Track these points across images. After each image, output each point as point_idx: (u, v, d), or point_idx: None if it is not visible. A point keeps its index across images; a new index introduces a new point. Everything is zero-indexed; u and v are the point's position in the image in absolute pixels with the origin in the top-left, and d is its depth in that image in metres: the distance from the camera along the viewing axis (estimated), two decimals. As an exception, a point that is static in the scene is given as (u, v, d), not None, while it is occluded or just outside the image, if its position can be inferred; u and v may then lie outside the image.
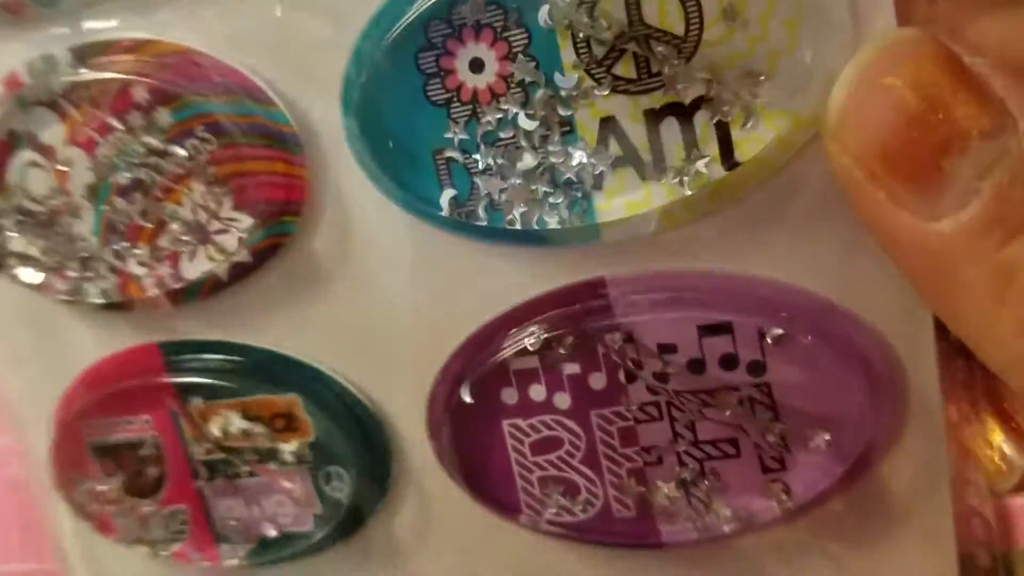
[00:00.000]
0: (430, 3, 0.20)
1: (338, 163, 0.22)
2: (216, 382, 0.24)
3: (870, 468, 0.21)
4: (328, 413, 0.24)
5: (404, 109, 0.21)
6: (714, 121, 0.20)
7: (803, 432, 0.21)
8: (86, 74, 0.22)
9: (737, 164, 0.20)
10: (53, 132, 0.23)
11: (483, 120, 0.21)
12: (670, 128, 0.20)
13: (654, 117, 0.20)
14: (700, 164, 0.20)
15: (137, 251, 0.24)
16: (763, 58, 0.19)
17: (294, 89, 0.22)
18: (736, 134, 0.20)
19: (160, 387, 0.25)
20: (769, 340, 0.21)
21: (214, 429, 0.25)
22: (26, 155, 0.24)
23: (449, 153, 0.21)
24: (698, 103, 0.20)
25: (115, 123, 0.23)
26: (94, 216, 0.24)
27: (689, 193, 0.20)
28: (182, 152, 0.22)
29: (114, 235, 0.24)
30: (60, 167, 0.23)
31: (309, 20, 0.21)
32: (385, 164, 0.21)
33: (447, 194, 0.21)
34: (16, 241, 0.24)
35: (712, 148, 0.20)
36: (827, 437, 0.21)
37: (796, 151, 0.20)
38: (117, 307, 0.24)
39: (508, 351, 0.22)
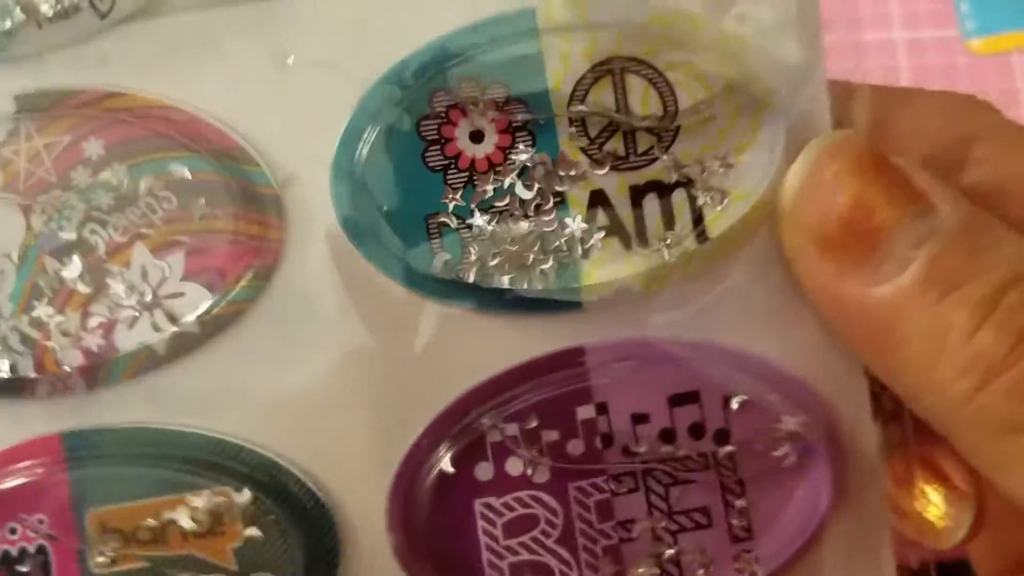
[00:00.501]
0: (435, 75, 0.22)
1: (318, 227, 0.22)
2: (125, 477, 0.21)
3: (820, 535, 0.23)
4: (268, 510, 0.22)
5: (401, 174, 0.22)
6: (690, 200, 0.23)
7: (768, 498, 0.23)
8: (30, 128, 0.21)
9: (708, 239, 0.22)
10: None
11: (479, 188, 0.22)
12: (651, 203, 0.22)
13: (638, 192, 0.22)
14: (677, 238, 0.22)
15: (61, 318, 0.21)
16: (732, 149, 0.23)
17: (281, 149, 0.22)
18: (709, 212, 0.23)
19: (54, 485, 0.21)
20: (734, 407, 0.23)
21: (113, 539, 0.21)
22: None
23: (443, 218, 0.22)
24: (677, 183, 0.23)
25: (57, 179, 0.21)
26: (15, 279, 0.21)
27: (667, 263, 0.22)
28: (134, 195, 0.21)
29: (37, 302, 0.21)
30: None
31: (309, 80, 0.22)
32: (375, 227, 0.22)
33: (439, 258, 0.22)
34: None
35: (687, 223, 0.22)
36: (790, 502, 0.23)
37: (762, 228, 0.23)
38: (18, 387, 0.21)
39: (486, 423, 0.22)
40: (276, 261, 0.22)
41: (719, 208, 0.22)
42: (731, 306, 0.23)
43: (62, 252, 0.21)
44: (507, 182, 0.22)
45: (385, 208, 0.22)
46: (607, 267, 0.22)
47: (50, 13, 0.21)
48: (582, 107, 0.22)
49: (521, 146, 0.22)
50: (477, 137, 0.22)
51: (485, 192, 0.22)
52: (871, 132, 0.22)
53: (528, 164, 0.22)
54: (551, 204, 0.22)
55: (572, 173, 0.22)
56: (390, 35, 0.22)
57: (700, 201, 0.22)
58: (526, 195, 0.22)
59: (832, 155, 0.21)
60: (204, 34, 0.21)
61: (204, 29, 0.21)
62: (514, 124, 0.22)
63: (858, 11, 0.46)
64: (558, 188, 0.22)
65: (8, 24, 0.21)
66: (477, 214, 0.22)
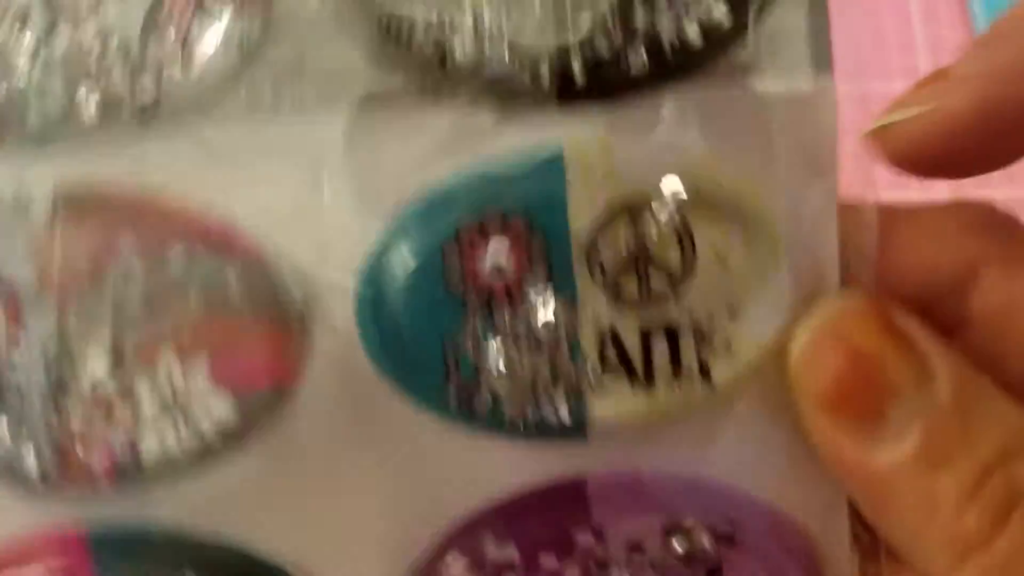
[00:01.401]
0: (460, 205, 0.23)
1: (340, 344, 0.23)
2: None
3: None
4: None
5: (421, 298, 0.23)
6: (697, 345, 0.23)
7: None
8: (66, 222, 0.22)
9: (714, 384, 0.23)
10: (22, 271, 0.22)
11: (496, 318, 0.23)
12: (660, 345, 0.23)
13: (648, 333, 0.23)
14: (683, 381, 0.23)
15: (87, 416, 0.23)
16: (739, 294, 0.23)
17: (309, 266, 0.23)
18: (715, 359, 0.23)
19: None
20: (722, 538, 0.24)
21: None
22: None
23: (458, 344, 0.23)
24: (686, 327, 0.24)
25: (89, 275, 0.22)
26: (44, 376, 0.22)
27: (672, 403, 0.23)
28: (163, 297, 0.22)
29: (65, 398, 0.22)
30: (16, 313, 0.22)
31: (341, 202, 0.23)
32: (394, 348, 0.23)
33: (453, 383, 0.23)
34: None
35: (694, 368, 0.23)
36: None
37: (767, 376, 0.24)
38: (39, 479, 0.23)
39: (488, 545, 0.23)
40: (297, 375, 0.23)
41: (725, 355, 0.23)
42: (730, 443, 0.24)
43: (91, 350, 0.23)
44: (522, 314, 0.23)
45: (404, 330, 0.23)
46: (614, 403, 0.23)
47: (93, 114, 0.22)
48: (599, 248, 0.23)
49: (540, 285, 0.23)
50: (497, 267, 0.23)
51: (501, 322, 0.23)
52: (878, 260, 0.23)
53: (544, 303, 0.23)
54: (565, 340, 0.23)
55: (587, 312, 0.23)
56: (420, 164, 0.23)
57: (707, 347, 0.23)
58: (543, 335, 0.23)
59: (841, 319, 0.22)
60: (244, 146, 0.22)
61: (245, 140, 0.22)
62: (533, 258, 0.23)
63: (889, 62, 0.46)
64: (572, 325, 0.23)
65: (51, 119, 0.22)
66: (492, 343, 0.23)
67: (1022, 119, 0.22)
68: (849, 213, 0.24)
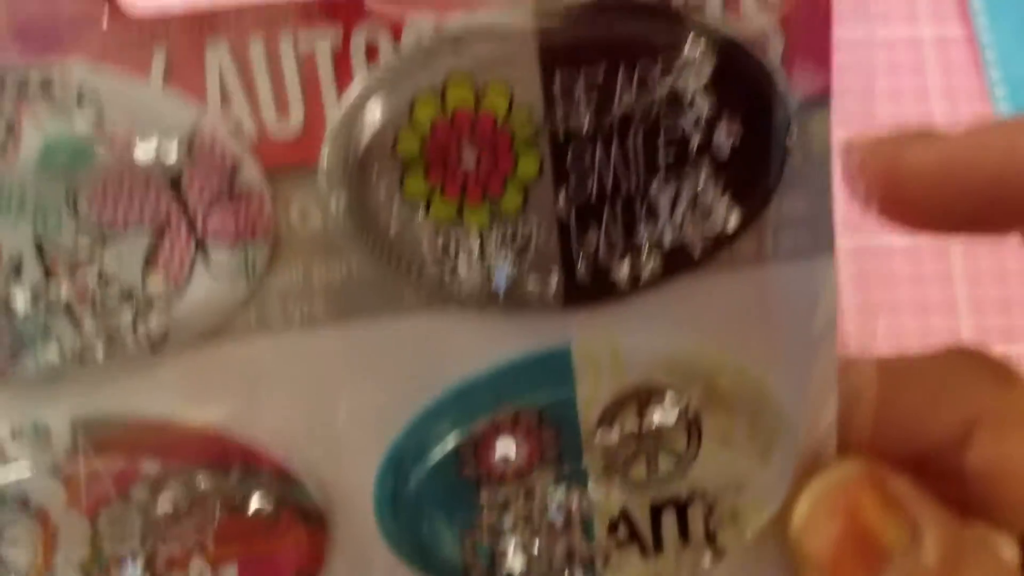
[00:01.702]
0: (474, 404, 0.23)
1: (361, 540, 0.24)
2: None
3: None
4: None
5: (438, 491, 0.24)
6: (705, 517, 0.25)
7: None
8: (89, 449, 0.23)
9: (720, 550, 0.25)
10: (51, 497, 0.23)
11: (512, 508, 0.24)
12: (669, 518, 0.25)
13: (657, 508, 0.24)
14: (692, 552, 0.25)
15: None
16: (744, 471, 0.24)
17: (328, 471, 0.23)
18: (722, 530, 0.25)
19: None
20: None
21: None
22: (5, 517, 0.23)
23: (476, 534, 0.24)
24: (694, 500, 0.25)
25: (116, 495, 0.23)
26: (80, 590, 0.24)
27: (681, 569, 0.25)
28: (190, 512, 0.23)
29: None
30: (50, 536, 0.23)
31: (356, 410, 0.23)
32: (415, 542, 0.24)
33: (473, 572, 0.24)
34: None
35: (701, 539, 0.25)
36: None
37: (773, 544, 0.25)
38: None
39: None
40: (320, 568, 0.24)
41: (732, 525, 0.25)
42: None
43: (124, 566, 0.24)
44: (536, 503, 0.24)
45: (423, 524, 0.24)
46: (625, 573, 0.25)
47: (102, 353, 0.22)
48: (609, 437, 0.24)
49: (552, 474, 0.24)
50: (509, 455, 0.24)
51: (516, 512, 0.24)
52: (876, 416, 0.24)
53: (557, 491, 0.24)
54: (578, 524, 0.24)
55: (598, 496, 0.24)
56: (431, 368, 0.23)
57: (714, 517, 0.25)
58: (555, 516, 0.24)
59: (836, 488, 0.24)
60: (258, 364, 0.23)
61: (258, 359, 0.23)
62: (545, 449, 0.24)
63: (899, 82, 0.45)
64: (585, 509, 0.24)
65: (59, 359, 0.22)
66: (508, 532, 0.24)
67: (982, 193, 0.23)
68: (848, 370, 0.24)
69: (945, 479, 0.24)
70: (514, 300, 0.23)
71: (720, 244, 0.23)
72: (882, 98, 0.44)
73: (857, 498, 0.23)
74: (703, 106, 0.22)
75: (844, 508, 0.23)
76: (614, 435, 0.24)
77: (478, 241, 0.22)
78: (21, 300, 0.21)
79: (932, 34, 0.46)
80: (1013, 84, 0.46)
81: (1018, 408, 0.25)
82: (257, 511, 0.23)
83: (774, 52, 0.22)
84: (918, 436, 0.25)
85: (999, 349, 0.26)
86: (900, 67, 0.45)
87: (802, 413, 0.24)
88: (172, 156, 0.21)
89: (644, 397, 0.24)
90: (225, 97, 0.21)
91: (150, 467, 0.23)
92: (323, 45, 0.21)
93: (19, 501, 0.23)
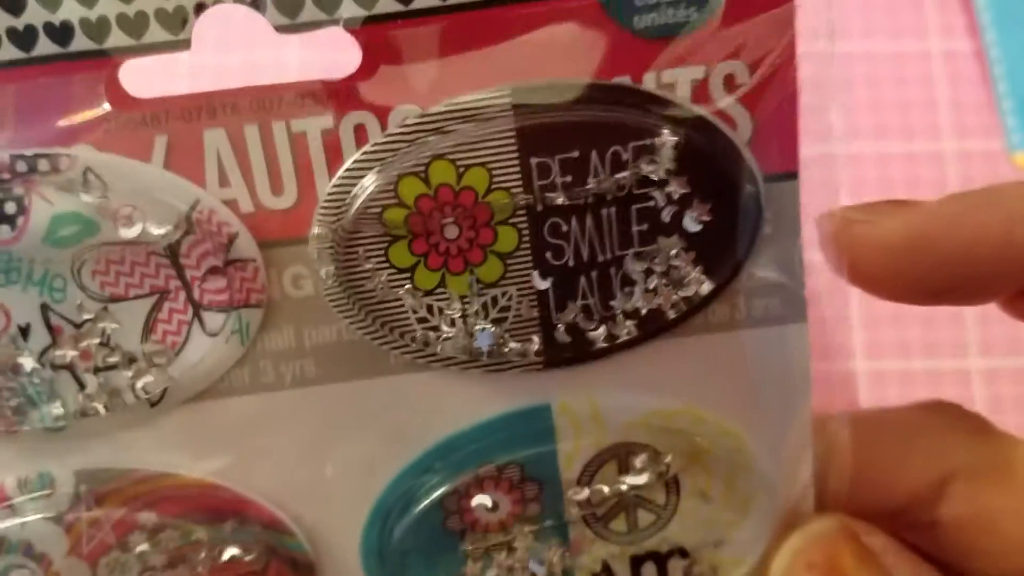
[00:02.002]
0: (456, 461, 0.25)
1: None
2: None
3: None
4: None
5: (422, 544, 0.25)
6: (684, 571, 0.26)
7: None
8: (90, 499, 0.25)
9: None
10: (54, 544, 0.25)
11: (495, 561, 0.26)
12: (649, 571, 0.26)
13: (638, 561, 0.26)
14: None
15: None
16: (723, 526, 0.26)
17: (318, 523, 0.25)
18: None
19: None
20: None
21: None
22: (11, 561, 0.25)
23: None
24: (671, 553, 0.26)
25: (116, 543, 0.25)
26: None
27: None
28: (185, 559, 0.25)
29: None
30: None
31: (345, 465, 0.25)
32: None
33: None
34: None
35: None
36: None
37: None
38: None
39: None
40: None
41: None
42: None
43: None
44: (519, 556, 0.25)
45: (409, 575, 0.25)
46: None
47: (103, 410, 0.24)
48: (589, 493, 0.25)
49: (534, 528, 0.25)
50: (493, 508, 0.25)
51: (500, 564, 0.26)
52: (852, 470, 0.25)
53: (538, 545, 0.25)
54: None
55: (579, 550, 0.26)
56: (417, 427, 0.25)
57: (694, 573, 0.26)
58: (539, 572, 0.26)
59: (813, 547, 0.24)
60: (251, 421, 0.24)
61: (251, 416, 0.24)
62: (527, 503, 0.25)
63: (908, 94, 0.46)
64: (566, 563, 0.26)
65: (62, 415, 0.24)
66: None
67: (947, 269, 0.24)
68: (823, 427, 0.25)
69: (920, 532, 0.25)
70: (496, 361, 0.24)
71: (694, 310, 0.24)
72: (891, 110, 0.45)
73: (834, 553, 0.24)
74: (673, 185, 0.23)
75: (822, 563, 0.24)
76: (595, 491, 0.25)
77: (460, 307, 0.23)
78: (28, 362, 0.23)
79: (941, 48, 0.47)
80: (1021, 98, 0.47)
81: (992, 461, 0.26)
82: (249, 561, 0.25)
83: (742, 132, 0.23)
84: (893, 489, 0.25)
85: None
86: (909, 80, 0.46)
87: (779, 470, 0.25)
88: (172, 230, 0.23)
89: (623, 454, 0.25)
90: (222, 176, 0.23)
91: (147, 517, 0.24)
92: (315, 128, 0.23)
93: (24, 547, 0.24)
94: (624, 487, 0.25)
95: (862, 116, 0.45)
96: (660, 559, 0.26)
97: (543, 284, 0.23)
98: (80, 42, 0.22)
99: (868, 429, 0.26)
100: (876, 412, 0.27)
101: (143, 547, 0.25)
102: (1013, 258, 0.23)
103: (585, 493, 0.25)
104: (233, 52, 0.22)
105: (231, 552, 0.25)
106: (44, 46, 0.22)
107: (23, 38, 0.21)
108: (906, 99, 0.47)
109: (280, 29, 0.22)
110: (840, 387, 0.28)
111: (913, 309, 0.41)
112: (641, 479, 0.25)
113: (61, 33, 0.21)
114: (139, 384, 0.23)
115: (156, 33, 0.22)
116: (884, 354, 0.42)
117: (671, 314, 0.24)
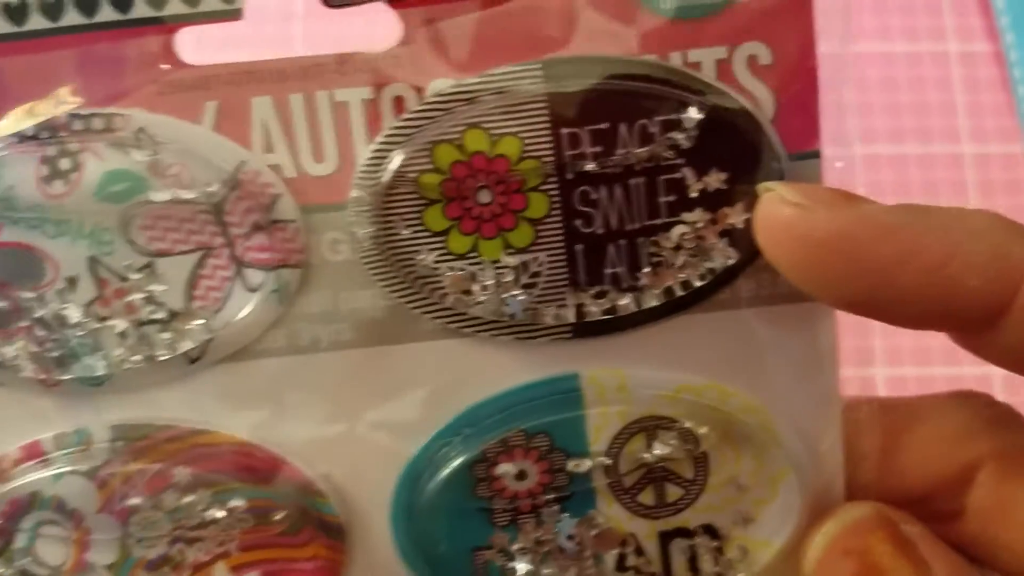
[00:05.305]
0: (486, 427, 0.28)
1: (378, 552, 0.28)
2: None
3: None
4: None
5: (451, 510, 0.27)
6: (712, 547, 0.28)
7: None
8: (126, 455, 0.28)
9: None
10: (86, 500, 0.28)
11: (522, 529, 0.28)
12: (678, 548, 0.28)
13: (667, 537, 0.28)
14: None
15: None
16: (752, 503, 0.28)
17: (349, 486, 0.27)
18: (731, 562, 0.28)
19: None
20: None
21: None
22: (42, 517, 0.28)
23: (488, 556, 0.28)
24: (700, 530, 0.28)
25: (148, 500, 0.28)
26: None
27: None
28: (216, 518, 0.28)
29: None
30: (83, 537, 0.28)
31: (376, 428, 0.27)
32: (428, 557, 0.27)
33: None
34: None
35: (710, 570, 0.28)
36: None
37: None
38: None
39: None
40: None
41: (741, 559, 0.28)
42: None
43: (151, 568, 0.29)
44: (546, 526, 0.28)
45: (435, 541, 0.27)
46: None
47: (144, 364, 0.28)
48: (616, 461, 0.29)
49: (562, 498, 0.28)
50: (521, 476, 0.29)
51: (527, 533, 0.28)
52: (880, 458, 0.28)
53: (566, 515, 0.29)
54: (588, 550, 0.29)
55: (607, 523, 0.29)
56: (448, 393, 0.27)
57: (723, 551, 0.28)
58: (567, 544, 0.29)
59: (850, 533, 0.27)
60: (287, 379, 0.27)
61: (286, 374, 0.27)
62: (555, 473, 0.29)
63: (926, 97, 0.51)
64: (594, 541, 0.29)
65: (104, 368, 0.27)
66: (518, 554, 0.28)
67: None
68: (852, 412, 0.27)
69: (943, 523, 0.27)
70: (526, 329, 0.27)
71: (720, 284, 0.27)
72: (908, 113, 0.50)
73: (870, 540, 0.26)
74: (698, 159, 0.27)
75: (857, 550, 0.26)
76: (622, 462, 0.28)
77: (492, 272, 0.28)
78: (75, 314, 0.27)
79: (958, 50, 0.52)
80: (1038, 100, 0.51)
81: (1020, 451, 0.27)
82: (281, 521, 0.28)
83: (765, 110, 0.27)
84: (921, 479, 0.27)
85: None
86: (926, 82, 0.50)
87: (807, 450, 0.27)
88: (218, 189, 0.27)
89: (651, 427, 0.27)
90: (267, 142, 0.26)
91: (181, 474, 0.28)
92: (356, 98, 0.26)
93: (55, 502, 0.27)
94: (652, 459, 0.27)
95: (879, 118, 0.49)
96: (689, 537, 0.28)
97: (573, 250, 0.27)
98: (140, 9, 0.25)
99: (897, 416, 0.28)
100: (905, 400, 0.28)
101: (175, 504, 0.28)
102: (940, 291, 0.23)
103: (613, 464, 0.28)
104: (282, 23, 0.26)
105: (263, 512, 0.28)
106: (106, 13, 0.26)
107: (86, 4, 0.26)
108: (924, 102, 0.51)
109: (328, 4, 0.26)
110: (860, 393, 0.29)
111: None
112: (669, 452, 0.27)
113: (123, 0, 0.26)
114: (180, 340, 0.27)
115: (211, 3, 0.26)
116: (904, 360, 0.47)
117: (698, 287, 0.27)
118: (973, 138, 0.49)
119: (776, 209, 0.25)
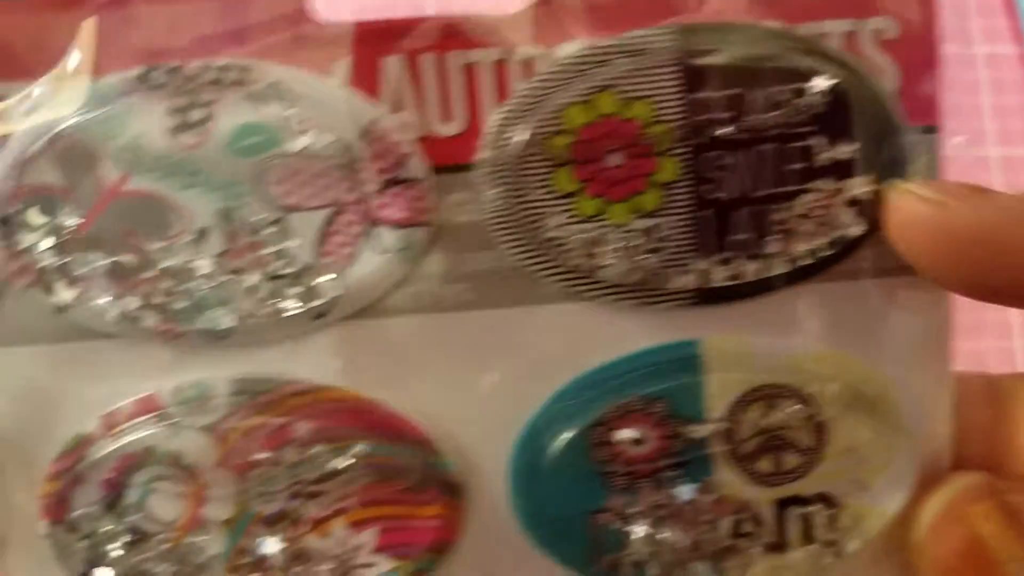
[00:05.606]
0: (602, 391, 0.29)
1: (494, 511, 0.28)
2: None
3: None
4: None
5: (569, 473, 0.28)
6: (828, 516, 0.28)
7: None
8: (247, 409, 0.28)
9: (842, 551, 0.28)
10: (204, 454, 0.28)
11: (640, 495, 0.28)
12: (792, 516, 0.28)
13: (783, 504, 0.28)
14: (815, 549, 0.28)
15: (264, 578, 0.29)
16: (867, 471, 0.28)
17: (468, 444, 0.28)
18: (844, 528, 0.28)
19: None
20: None
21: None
22: (156, 472, 0.29)
23: (604, 518, 0.28)
24: (816, 498, 0.29)
25: (268, 455, 0.29)
26: (223, 545, 0.28)
27: (803, 568, 0.28)
28: (338, 469, 0.28)
29: (242, 566, 0.29)
30: (199, 492, 0.28)
31: (499, 389, 0.28)
32: (544, 518, 0.28)
33: (598, 554, 0.28)
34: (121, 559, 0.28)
35: (825, 536, 0.28)
36: None
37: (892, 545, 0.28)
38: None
39: None
40: (455, 538, 0.28)
41: (854, 526, 0.28)
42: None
43: (269, 523, 0.29)
44: (664, 492, 0.28)
45: (553, 503, 0.28)
46: (750, 568, 0.29)
47: (269, 318, 0.28)
48: (735, 428, 0.29)
49: (679, 464, 0.28)
50: (638, 441, 0.29)
51: (644, 499, 0.29)
52: (989, 431, 0.28)
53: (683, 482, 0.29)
54: (704, 514, 0.29)
55: (723, 490, 0.29)
56: (568, 357, 0.28)
57: (837, 518, 0.28)
58: (684, 509, 0.29)
59: (960, 500, 0.27)
60: (409, 338, 0.27)
61: (410, 333, 0.27)
62: (673, 439, 0.29)
63: (953, 124, 0.52)
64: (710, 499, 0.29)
65: (229, 321, 0.28)
66: (636, 518, 0.28)
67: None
68: (961, 386, 0.28)
69: None
70: (649, 294, 0.27)
71: (844, 254, 0.27)
72: None
73: (979, 508, 0.27)
74: (827, 127, 0.27)
75: (968, 519, 0.26)
76: (741, 430, 0.28)
77: (620, 236, 0.28)
78: (204, 265, 0.27)
79: (984, 52, 0.52)
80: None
81: None
82: (402, 479, 0.29)
83: (889, 83, 0.28)
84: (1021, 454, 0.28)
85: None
86: (952, 85, 0.51)
87: (919, 421, 0.28)
88: (351, 145, 0.27)
89: (771, 395, 0.27)
90: (396, 101, 0.26)
91: (302, 429, 0.28)
92: (486, 60, 0.26)
93: (172, 457, 0.27)
94: (771, 428, 0.28)
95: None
96: (805, 505, 0.28)
97: (702, 214, 0.28)
98: (277, -35, 0.26)
99: (1005, 388, 0.28)
100: (1015, 375, 0.29)
101: (295, 460, 0.28)
102: None
103: (731, 431, 0.28)
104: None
105: (385, 468, 0.29)
106: (244, -33, 0.26)
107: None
108: (949, 104, 0.52)
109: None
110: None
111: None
112: (789, 420, 0.28)
113: (261, -44, 0.26)
114: (307, 296, 0.27)
115: (347, -40, 0.26)
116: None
117: (823, 255, 0.27)
118: (999, 141, 0.49)
119: (912, 206, 0.25)
